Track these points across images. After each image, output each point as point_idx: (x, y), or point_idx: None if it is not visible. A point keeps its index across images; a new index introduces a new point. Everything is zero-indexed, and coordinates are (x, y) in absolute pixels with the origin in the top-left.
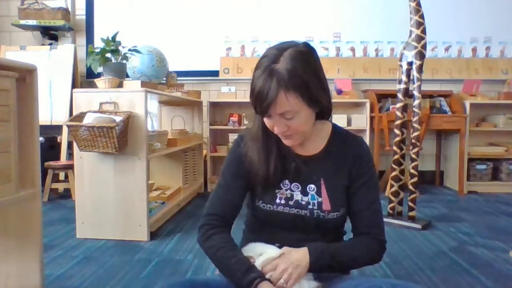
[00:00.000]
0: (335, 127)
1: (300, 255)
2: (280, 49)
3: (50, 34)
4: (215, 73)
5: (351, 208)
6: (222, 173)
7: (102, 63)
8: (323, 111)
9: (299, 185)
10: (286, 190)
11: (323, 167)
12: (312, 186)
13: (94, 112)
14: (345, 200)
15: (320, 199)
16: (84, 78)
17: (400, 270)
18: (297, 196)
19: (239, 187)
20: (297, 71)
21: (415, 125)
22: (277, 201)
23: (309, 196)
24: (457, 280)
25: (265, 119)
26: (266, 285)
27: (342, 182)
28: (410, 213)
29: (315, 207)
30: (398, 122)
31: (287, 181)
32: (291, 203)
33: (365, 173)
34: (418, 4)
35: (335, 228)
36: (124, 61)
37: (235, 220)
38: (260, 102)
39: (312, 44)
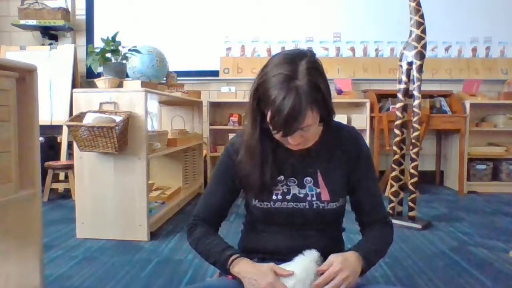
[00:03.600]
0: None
1: (355, 260)
2: (291, 63)
3: (50, 34)
4: (215, 73)
5: (357, 197)
6: (211, 177)
7: (102, 63)
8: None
9: (295, 179)
10: (282, 185)
11: (318, 159)
12: (309, 178)
13: (94, 112)
14: (344, 190)
15: (318, 190)
16: (84, 78)
17: (400, 270)
18: (294, 190)
19: (224, 193)
20: (317, 85)
21: (415, 125)
22: (274, 197)
23: (307, 188)
24: (457, 280)
25: (274, 133)
26: (245, 262)
27: (340, 172)
28: (410, 213)
29: (314, 198)
30: (398, 122)
31: (282, 177)
32: (288, 197)
33: (364, 160)
34: (418, 4)
35: (335, 221)
36: (124, 61)
37: (235, 221)
38: (291, 123)
39: (312, 44)
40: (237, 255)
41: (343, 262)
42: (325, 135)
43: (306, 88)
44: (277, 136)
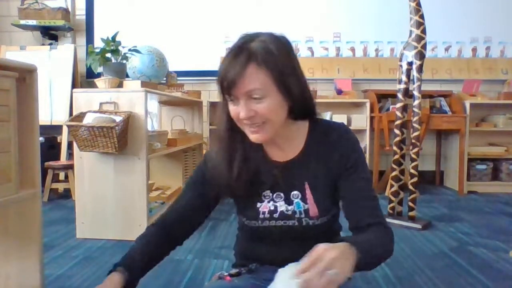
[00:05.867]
0: (314, 122)
1: (344, 246)
2: (255, 33)
3: (50, 34)
4: (215, 73)
5: (347, 200)
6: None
7: (102, 63)
8: (300, 109)
9: (282, 194)
10: (269, 202)
11: (305, 170)
12: (296, 192)
13: (94, 112)
14: (333, 201)
15: (306, 206)
16: (84, 78)
17: (400, 270)
18: (282, 207)
19: (191, 199)
20: (272, 50)
21: (415, 125)
22: (261, 216)
23: (294, 204)
24: (457, 280)
25: (230, 106)
26: (116, 275)
27: (328, 181)
28: (410, 213)
29: (302, 215)
30: (398, 122)
31: (268, 192)
32: (275, 215)
33: (354, 164)
34: (418, 4)
35: (327, 232)
36: (124, 61)
37: (235, 221)
38: (226, 76)
39: (312, 44)
40: (119, 266)
41: (329, 245)
42: (312, 136)
43: (255, 47)
44: (233, 112)
